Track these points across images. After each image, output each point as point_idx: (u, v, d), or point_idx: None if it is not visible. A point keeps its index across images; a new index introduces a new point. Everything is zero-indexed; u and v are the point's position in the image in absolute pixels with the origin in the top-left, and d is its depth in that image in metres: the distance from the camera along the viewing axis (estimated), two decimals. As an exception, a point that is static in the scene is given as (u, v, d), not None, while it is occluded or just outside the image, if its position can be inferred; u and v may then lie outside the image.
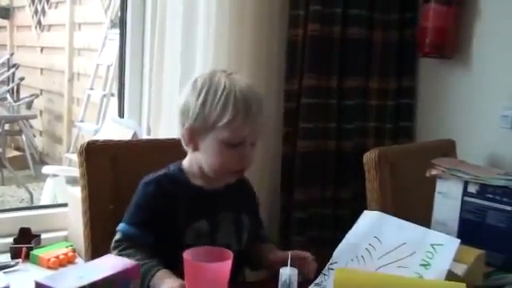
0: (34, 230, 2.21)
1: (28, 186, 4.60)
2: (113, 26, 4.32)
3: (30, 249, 2.13)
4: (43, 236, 2.23)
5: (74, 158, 3.41)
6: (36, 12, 5.96)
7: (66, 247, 2.20)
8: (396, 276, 1.17)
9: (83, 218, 1.45)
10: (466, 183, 1.51)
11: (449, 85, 2.18)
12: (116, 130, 2.34)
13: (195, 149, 1.32)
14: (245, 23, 2.00)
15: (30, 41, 6.07)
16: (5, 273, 1.96)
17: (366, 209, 1.40)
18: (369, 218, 1.31)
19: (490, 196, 1.48)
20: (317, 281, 1.24)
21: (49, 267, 2.07)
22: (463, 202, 1.51)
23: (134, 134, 2.17)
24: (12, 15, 6.42)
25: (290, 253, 1.19)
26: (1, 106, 5.66)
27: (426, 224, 1.42)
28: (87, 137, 3.93)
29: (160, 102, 2.07)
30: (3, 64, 5.89)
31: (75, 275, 0.97)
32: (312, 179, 2.12)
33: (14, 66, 5.87)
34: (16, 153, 5.53)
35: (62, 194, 2.72)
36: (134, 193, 1.34)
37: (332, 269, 1.24)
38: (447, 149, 1.94)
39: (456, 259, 1.19)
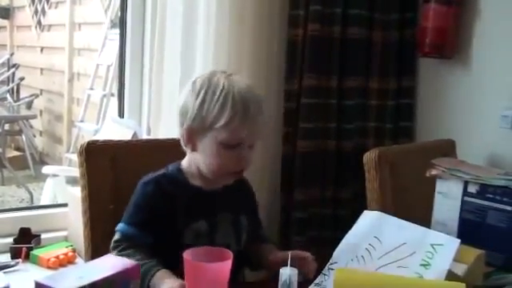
0: (33, 230, 2.21)
1: (28, 186, 4.59)
2: (113, 26, 4.31)
3: (30, 249, 2.13)
4: (43, 236, 2.23)
5: (74, 158, 3.40)
6: (36, 12, 5.96)
7: (66, 247, 2.20)
8: (396, 276, 1.17)
9: (83, 218, 1.45)
10: (466, 183, 1.51)
11: (449, 85, 2.18)
12: (116, 130, 2.34)
13: (194, 149, 1.32)
14: (245, 23, 1.99)
15: (30, 41, 6.07)
16: (5, 273, 1.95)
17: (366, 209, 1.40)
18: (369, 218, 1.31)
19: (490, 196, 1.48)
20: (317, 281, 1.24)
21: (49, 267, 2.07)
22: (463, 202, 1.51)
23: (134, 134, 2.17)
24: (12, 15, 6.42)
25: (289, 253, 1.19)
26: (1, 105, 5.65)
27: (426, 224, 1.42)
28: (87, 137, 3.93)
29: (160, 102, 2.07)
30: (3, 64, 5.89)
31: (75, 275, 0.97)
32: (312, 179, 2.11)
33: (13, 66, 5.87)
34: (16, 153, 5.53)
35: (61, 194, 2.72)
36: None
37: (332, 269, 1.24)
38: (447, 149, 1.94)
39: (456, 259, 1.19)
